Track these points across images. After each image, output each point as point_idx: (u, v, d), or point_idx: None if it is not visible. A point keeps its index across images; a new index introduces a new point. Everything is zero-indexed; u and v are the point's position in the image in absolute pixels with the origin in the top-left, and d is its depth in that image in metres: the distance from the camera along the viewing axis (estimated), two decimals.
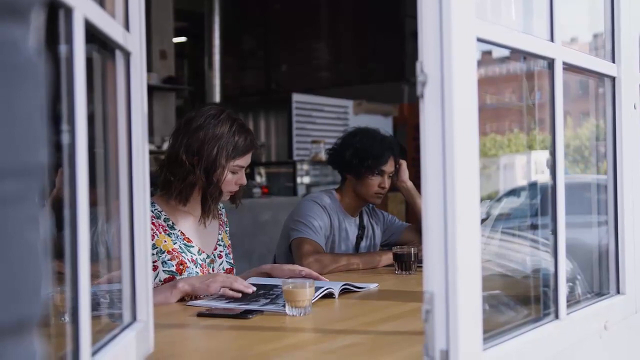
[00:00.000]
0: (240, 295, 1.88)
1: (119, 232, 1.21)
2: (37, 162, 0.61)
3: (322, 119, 7.81)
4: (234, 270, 2.28)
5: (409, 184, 2.85)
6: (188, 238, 2.14)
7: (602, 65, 1.62)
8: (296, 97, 7.65)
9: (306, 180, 6.93)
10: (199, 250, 2.15)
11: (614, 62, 1.65)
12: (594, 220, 1.77)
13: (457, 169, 1.02)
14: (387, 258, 2.58)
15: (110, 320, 1.28)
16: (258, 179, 6.93)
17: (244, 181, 2.17)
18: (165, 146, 6.02)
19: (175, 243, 2.10)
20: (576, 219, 1.58)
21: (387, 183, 2.73)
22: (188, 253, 2.11)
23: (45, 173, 0.62)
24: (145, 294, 1.24)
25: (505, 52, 1.42)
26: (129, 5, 1.21)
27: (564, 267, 1.37)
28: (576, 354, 1.47)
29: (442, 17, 1.03)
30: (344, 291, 2.01)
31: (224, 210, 2.35)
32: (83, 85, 0.89)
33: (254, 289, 1.91)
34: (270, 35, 9.99)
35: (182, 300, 1.92)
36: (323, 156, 6.66)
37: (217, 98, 8.11)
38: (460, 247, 1.03)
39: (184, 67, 10.16)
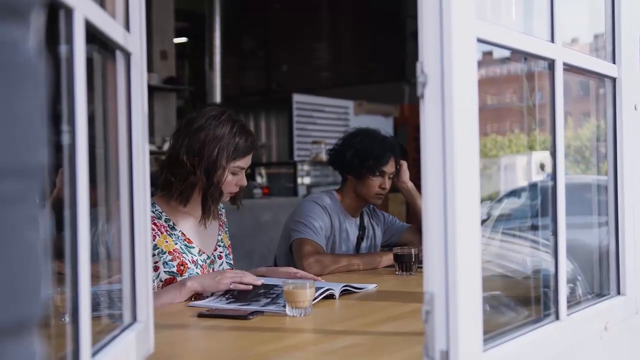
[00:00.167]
0: (250, 287, 1.91)
1: (119, 232, 1.21)
2: (37, 162, 0.61)
3: (323, 119, 7.81)
4: (230, 270, 2.28)
5: (410, 184, 2.84)
6: (188, 239, 2.14)
7: (602, 66, 1.62)
8: (297, 97, 7.66)
9: (307, 180, 6.92)
10: (199, 251, 2.15)
11: (614, 63, 1.65)
12: (594, 221, 1.77)
13: (457, 170, 1.02)
14: (388, 259, 2.58)
15: (110, 320, 1.28)
16: (259, 179, 6.93)
17: (244, 182, 2.17)
18: (166, 147, 6.03)
19: (177, 244, 2.10)
20: (577, 220, 1.58)
21: (387, 184, 2.73)
22: (188, 254, 2.11)
23: (45, 173, 0.62)
24: (146, 295, 1.24)
25: (506, 53, 1.42)
26: (129, 5, 1.21)
27: (565, 267, 1.37)
28: (576, 354, 1.47)
29: (442, 17, 1.03)
30: (344, 292, 2.02)
31: (223, 210, 2.35)
32: (83, 85, 0.89)
33: (263, 280, 1.95)
34: (271, 35, 9.99)
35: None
36: (324, 157, 6.66)
37: (218, 98, 8.11)
38: (460, 248, 1.03)
39: (184, 68, 10.15)
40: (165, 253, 2.06)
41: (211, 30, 8.13)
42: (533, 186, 1.92)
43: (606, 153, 1.68)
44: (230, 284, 1.91)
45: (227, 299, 1.89)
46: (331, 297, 1.94)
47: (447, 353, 1.02)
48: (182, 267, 2.07)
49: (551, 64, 1.37)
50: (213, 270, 2.18)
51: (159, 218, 2.10)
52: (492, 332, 1.18)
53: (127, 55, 1.20)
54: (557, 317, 1.37)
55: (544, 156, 1.41)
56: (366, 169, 2.69)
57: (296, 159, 7.30)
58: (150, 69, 6.86)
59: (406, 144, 6.85)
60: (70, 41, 0.87)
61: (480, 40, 1.11)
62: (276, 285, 1.94)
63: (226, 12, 8.41)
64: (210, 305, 1.84)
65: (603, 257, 1.71)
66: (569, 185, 1.39)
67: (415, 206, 2.84)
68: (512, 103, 1.97)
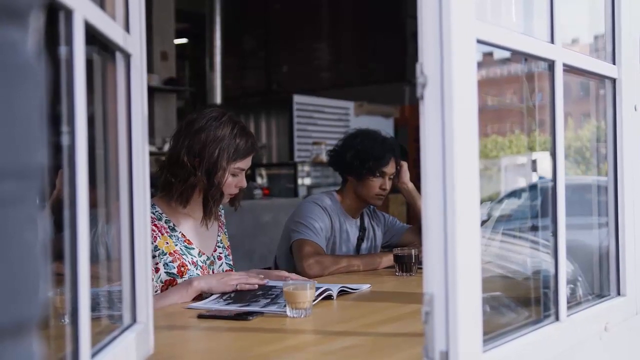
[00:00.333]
0: (256, 287, 1.95)
1: (119, 233, 1.21)
2: (37, 162, 0.61)
3: (323, 120, 7.81)
4: (233, 271, 2.28)
5: (410, 185, 2.85)
6: (188, 240, 2.14)
7: (602, 67, 1.62)
8: (297, 98, 7.66)
9: (307, 181, 6.93)
10: (199, 252, 2.15)
11: (614, 63, 1.65)
12: (594, 221, 1.76)
13: (457, 170, 1.02)
14: (388, 259, 2.58)
15: (110, 321, 1.28)
16: (259, 180, 6.93)
17: (244, 184, 2.17)
18: (166, 147, 6.02)
19: (177, 245, 2.10)
20: (577, 221, 1.58)
21: (388, 184, 2.73)
22: (188, 255, 2.11)
23: (44, 174, 0.62)
24: (145, 296, 1.24)
25: (506, 54, 1.42)
26: (129, 6, 1.21)
27: (565, 268, 1.37)
28: (576, 355, 1.47)
29: (442, 18, 1.03)
30: (340, 293, 2.02)
31: (222, 211, 2.35)
32: (83, 86, 0.89)
33: (268, 281, 2.01)
34: (271, 35, 9.99)
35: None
36: (324, 157, 6.66)
37: (218, 99, 8.11)
38: (460, 249, 1.02)
39: (185, 68, 10.16)
40: (166, 254, 2.06)
41: (211, 30, 8.13)
42: (533, 187, 1.92)
43: (606, 154, 1.68)
44: (237, 285, 1.94)
45: (225, 300, 1.89)
46: (329, 297, 1.94)
47: (447, 354, 1.02)
48: (182, 269, 2.08)
49: (551, 65, 1.37)
50: (213, 271, 2.18)
51: (159, 219, 2.11)
52: (492, 332, 1.18)
53: (127, 57, 1.20)
54: (557, 318, 1.37)
55: (540, 156, 1.41)
56: (366, 169, 2.69)
57: (296, 159, 7.29)
58: (150, 70, 6.86)
59: (407, 144, 6.85)
60: (70, 42, 0.87)
61: (480, 41, 1.11)
62: (275, 286, 1.95)
63: (226, 12, 8.41)
64: (210, 307, 1.84)
65: (603, 257, 1.71)
66: (569, 186, 1.39)
67: (415, 207, 2.84)
68: (513, 104, 1.97)
